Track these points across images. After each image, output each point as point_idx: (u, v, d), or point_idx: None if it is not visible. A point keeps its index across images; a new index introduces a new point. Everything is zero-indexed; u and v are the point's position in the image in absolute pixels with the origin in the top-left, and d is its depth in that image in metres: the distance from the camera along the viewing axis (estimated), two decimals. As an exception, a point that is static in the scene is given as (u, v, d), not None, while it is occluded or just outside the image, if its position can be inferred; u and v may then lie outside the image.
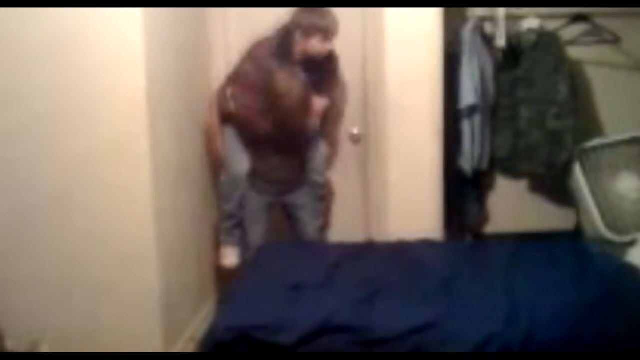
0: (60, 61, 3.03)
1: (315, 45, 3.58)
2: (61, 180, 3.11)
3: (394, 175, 3.98)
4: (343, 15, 3.83)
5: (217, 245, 4.03)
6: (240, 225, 3.86)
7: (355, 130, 4.16)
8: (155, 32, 3.19)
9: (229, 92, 3.65)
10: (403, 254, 3.35)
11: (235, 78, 3.67)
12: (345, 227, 4.21)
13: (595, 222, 3.99)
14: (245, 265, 3.63)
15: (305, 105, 3.59)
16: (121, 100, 3.09)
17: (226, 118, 3.71)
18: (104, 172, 3.13)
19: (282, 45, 3.60)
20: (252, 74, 3.60)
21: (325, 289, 2.91)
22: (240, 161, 3.74)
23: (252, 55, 3.63)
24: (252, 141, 3.70)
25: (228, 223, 3.86)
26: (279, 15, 3.68)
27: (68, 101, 3.06)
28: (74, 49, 3.04)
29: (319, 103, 3.70)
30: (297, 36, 3.57)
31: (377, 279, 3.02)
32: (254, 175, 3.76)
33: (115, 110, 3.10)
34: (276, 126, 3.60)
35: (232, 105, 3.64)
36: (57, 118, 3.07)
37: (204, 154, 3.98)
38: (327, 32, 3.57)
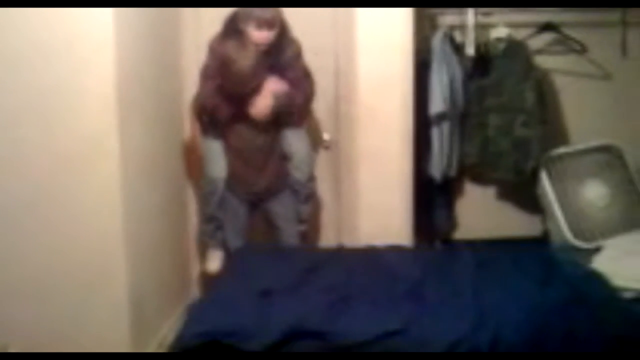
0: (32, 61, 3.02)
1: (253, 33, 3.56)
2: (32, 181, 3.09)
3: (364, 182, 4.00)
4: (314, 23, 3.88)
5: (198, 248, 4.08)
6: (222, 228, 3.86)
7: (326, 137, 4.18)
8: (126, 30, 3.18)
9: (199, 91, 3.70)
10: (373, 260, 3.37)
11: (200, 76, 3.70)
12: (316, 232, 4.23)
13: (562, 229, 4.04)
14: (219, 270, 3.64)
15: (256, 77, 3.56)
16: (91, 99, 3.08)
17: (202, 119, 3.75)
18: (76, 171, 3.12)
19: (229, 29, 3.61)
20: (210, 64, 3.64)
21: (295, 294, 2.92)
22: (218, 166, 3.74)
23: (209, 48, 3.67)
24: (229, 139, 3.72)
25: (209, 226, 3.87)
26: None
27: (39, 100, 3.05)
28: (45, 49, 3.03)
29: (274, 84, 3.65)
30: (239, 23, 3.58)
31: (347, 284, 3.04)
32: (233, 181, 3.76)
33: (86, 109, 3.08)
34: (234, 102, 3.60)
35: (200, 101, 3.68)
36: (27, 118, 3.06)
37: (178, 155, 4.00)
38: (260, 20, 3.54)
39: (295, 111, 3.72)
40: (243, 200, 3.82)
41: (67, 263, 3.18)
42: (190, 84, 3.92)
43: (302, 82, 3.71)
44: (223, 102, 3.61)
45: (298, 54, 3.71)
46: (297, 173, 3.82)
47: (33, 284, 3.16)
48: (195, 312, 2.89)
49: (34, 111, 3.06)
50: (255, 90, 3.59)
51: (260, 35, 3.55)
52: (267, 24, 3.55)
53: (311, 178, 3.89)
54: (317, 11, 3.98)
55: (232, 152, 3.74)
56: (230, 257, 3.63)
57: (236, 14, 3.60)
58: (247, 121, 3.67)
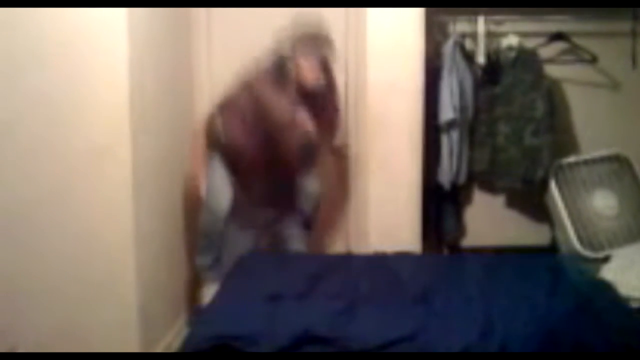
0: (47, 67, 3.03)
1: (307, 74, 3.53)
2: (45, 185, 3.10)
3: (373, 188, 4.01)
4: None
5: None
6: (220, 261, 3.79)
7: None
8: (139, 45, 3.22)
9: (219, 122, 3.62)
10: (381, 267, 3.37)
11: (226, 106, 3.61)
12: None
13: (570, 238, 4.04)
14: (226, 275, 3.64)
15: (292, 127, 3.53)
16: (105, 108, 3.11)
17: (216, 148, 3.69)
18: (89, 177, 3.13)
19: (278, 74, 3.55)
20: (243, 101, 3.55)
21: (304, 300, 2.93)
22: (221, 199, 3.70)
23: (247, 83, 3.57)
24: (242, 172, 3.66)
25: (207, 258, 3.81)
26: (262, 35, 3.66)
27: (53, 106, 3.06)
28: (60, 55, 3.03)
29: (307, 122, 3.62)
30: (292, 64, 3.53)
31: (355, 290, 3.04)
32: (239, 210, 3.71)
33: (100, 117, 3.11)
34: (264, 150, 3.54)
35: (222, 137, 3.62)
36: (41, 125, 3.07)
37: (184, 167, 4.02)
38: (321, 62, 3.55)
39: (317, 149, 3.73)
40: (249, 229, 3.79)
41: (78, 265, 3.19)
42: (201, 100, 3.96)
43: (334, 119, 3.77)
44: (249, 144, 3.54)
45: (333, 92, 3.74)
46: (305, 205, 3.83)
47: (42, 286, 3.17)
48: (204, 316, 2.90)
49: (48, 118, 3.07)
50: (286, 129, 3.55)
51: (314, 75, 3.54)
52: (325, 65, 3.57)
53: (316, 208, 3.90)
54: (328, 16, 3.99)
55: (242, 188, 3.69)
56: (234, 263, 3.62)
57: (293, 52, 3.54)
58: (266, 161, 3.60)
